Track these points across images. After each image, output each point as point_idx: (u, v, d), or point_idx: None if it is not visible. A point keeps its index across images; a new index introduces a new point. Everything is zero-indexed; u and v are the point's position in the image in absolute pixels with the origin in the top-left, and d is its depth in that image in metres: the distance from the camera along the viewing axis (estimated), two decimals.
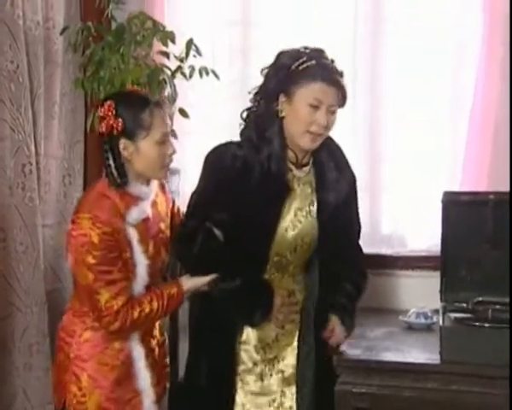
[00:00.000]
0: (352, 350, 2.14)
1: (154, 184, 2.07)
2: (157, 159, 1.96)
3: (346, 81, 1.96)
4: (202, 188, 2.03)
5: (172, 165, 2.77)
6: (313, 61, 1.91)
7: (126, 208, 1.95)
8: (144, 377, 2.01)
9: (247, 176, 1.96)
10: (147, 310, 1.94)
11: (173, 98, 2.59)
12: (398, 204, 2.73)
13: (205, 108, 2.80)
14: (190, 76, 2.59)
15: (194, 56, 2.59)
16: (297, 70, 1.92)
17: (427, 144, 2.67)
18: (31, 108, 2.51)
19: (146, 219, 2.01)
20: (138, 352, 2.02)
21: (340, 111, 1.98)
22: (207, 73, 2.60)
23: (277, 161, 1.97)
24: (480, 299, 2.21)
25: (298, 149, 2.00)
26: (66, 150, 2.80)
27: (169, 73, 2.61)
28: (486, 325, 2.09)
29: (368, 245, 2.40)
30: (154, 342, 2.11)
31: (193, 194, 2.06)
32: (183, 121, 2.66)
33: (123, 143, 1.92)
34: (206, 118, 2.81)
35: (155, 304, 1.96)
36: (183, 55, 2.58)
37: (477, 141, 2.58)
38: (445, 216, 2.33)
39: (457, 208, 2.34)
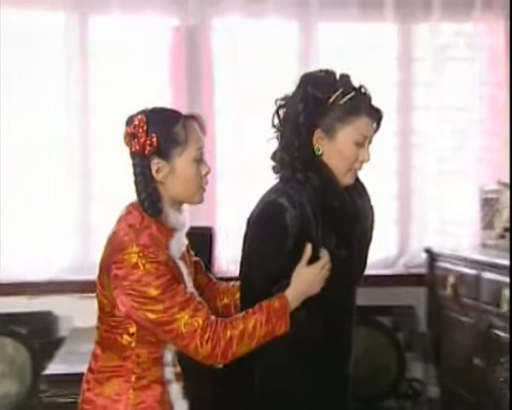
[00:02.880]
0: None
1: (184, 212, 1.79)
2: (194, 179, 1.70)
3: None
4: (274, 252, 1.69)
5: None
6: (352, 93, 1.71)
7: (166, 240, 1.68)
8: None
9: (319, 218, 1.70)
10: (240, 327, 1.61)
11: None
12: None
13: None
14: None
15: None
16: (336, 104, 1.71)
17: None
18: None
19: (184, 252, 1.76)
20: None
21: None
22: None
23: (337, 192, 1.74)
24: None
25: None
26: None
27: None
28: None
29: None
30: None
31: (259, 263, 1.70)
32: None
33: (156, 163, 1.66)
34: None
35: (252, 318, 1.62)
36: None
37: None
38: None
39: None
